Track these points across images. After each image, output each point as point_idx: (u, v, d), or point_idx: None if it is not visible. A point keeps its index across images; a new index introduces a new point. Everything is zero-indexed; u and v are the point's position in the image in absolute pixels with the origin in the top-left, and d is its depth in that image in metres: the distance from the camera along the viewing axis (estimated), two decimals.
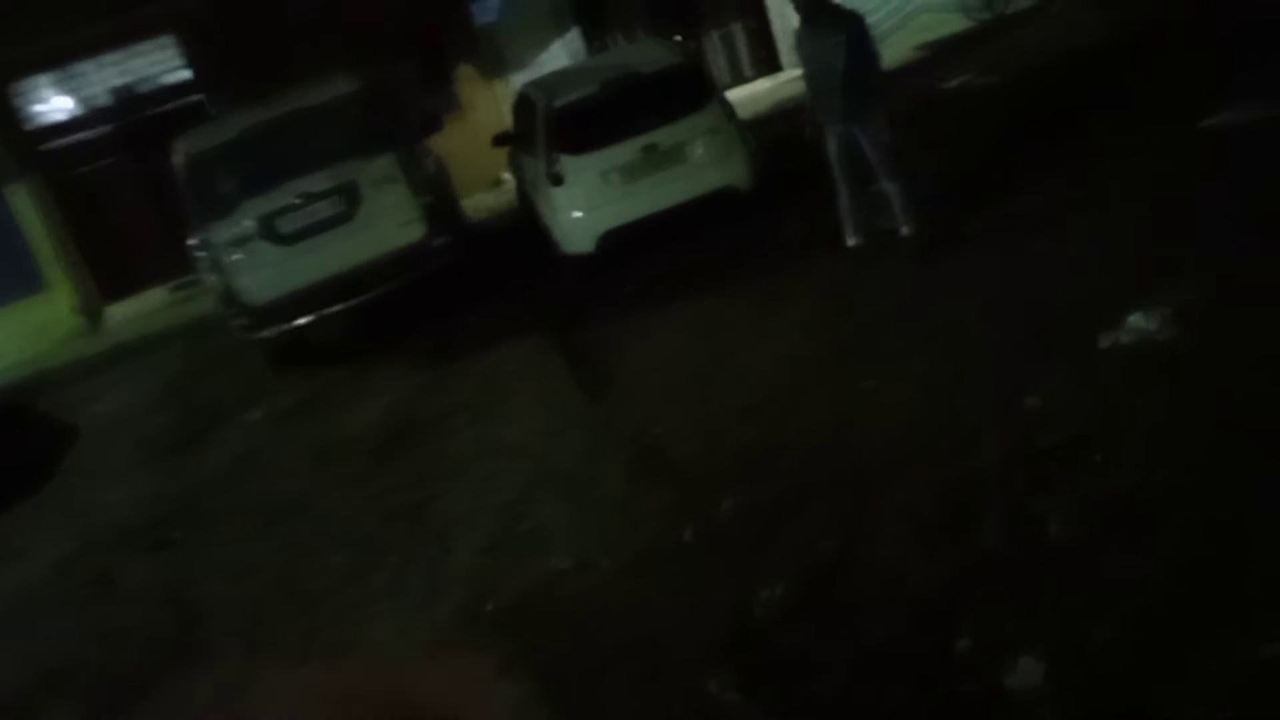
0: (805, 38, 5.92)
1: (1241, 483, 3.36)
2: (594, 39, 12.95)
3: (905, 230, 5.93)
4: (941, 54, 11.22)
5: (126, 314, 11.76)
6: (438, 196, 8.02)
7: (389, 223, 7.49)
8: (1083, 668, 2.92)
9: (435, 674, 3.88)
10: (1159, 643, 2.92)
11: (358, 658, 4.15)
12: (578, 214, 7.16)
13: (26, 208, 11.43)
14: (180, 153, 7.40)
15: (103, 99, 11.89)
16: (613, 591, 3.97)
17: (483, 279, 8.25)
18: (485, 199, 11.25)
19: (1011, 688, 2.92)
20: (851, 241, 6.12)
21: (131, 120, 11.73)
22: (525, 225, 8.74)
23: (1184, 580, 3.09)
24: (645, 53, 8.54)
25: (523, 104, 8.29)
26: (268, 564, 5.14)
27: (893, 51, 10.60)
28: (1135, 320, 4.33)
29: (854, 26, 5.79)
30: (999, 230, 5.86)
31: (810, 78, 5.99)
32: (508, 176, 10.39)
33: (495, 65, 12.72)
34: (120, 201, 11.72)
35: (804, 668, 3.28)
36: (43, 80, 11.70)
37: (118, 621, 5.14)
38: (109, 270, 11.89)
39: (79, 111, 11.86)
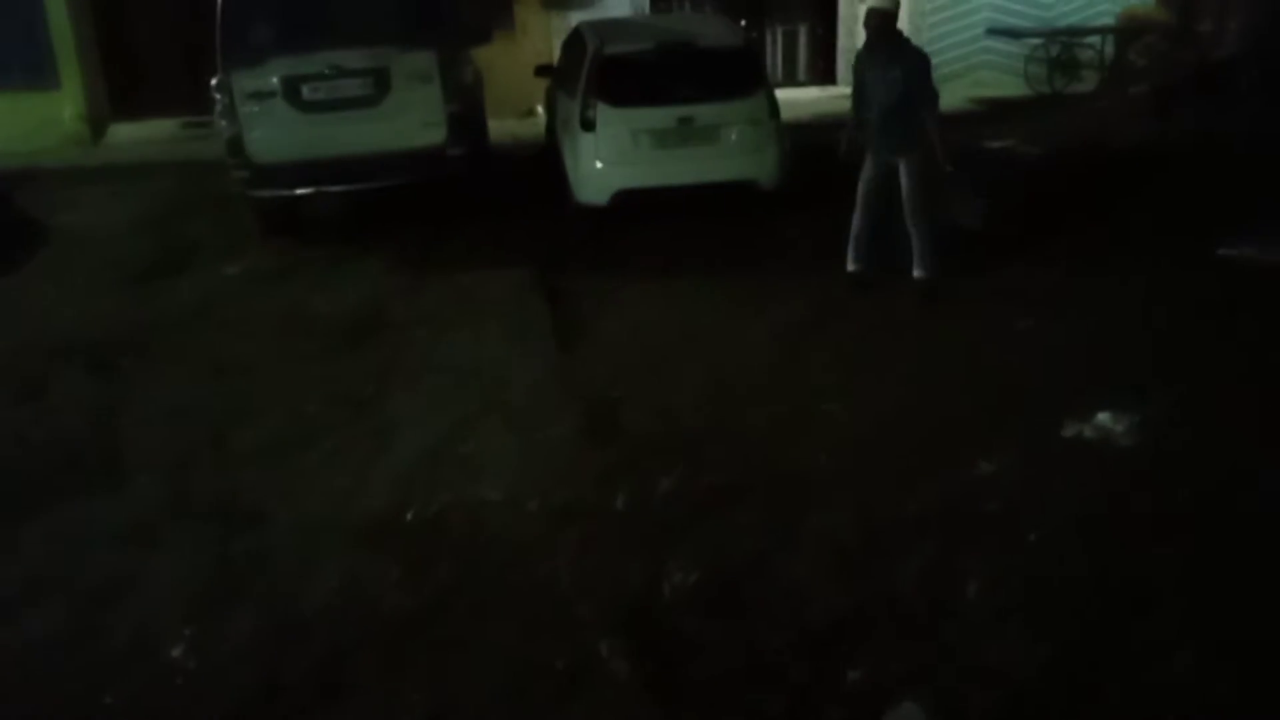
0: (866, 62, 5.89)
1: (1156, 601, 3.43)
2: None
3: (917, 273, 5.94)
4: (993, 113, 11.22)
5: (131, 135, 11.55)
6: (467, 107, 7.92)
7: (412, 119, 7.41)
8: None
9: (335, 567, 3.87)
10: None
11: (266, 529, 4.13)
12: (599, 164, 7.10)
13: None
14: None
15: None
16: (532, 534, 3.96)
17: (489, 202, 8.19)
18: (514, 126, 11.13)
19: None
20: (851, 268, 6.13)
21: None
22: (545, 163, 8.68)
23: (1077, 674, 3.15)
24: (707, 26, 8.47)
25: (574, 41, 8.20)
26: (204, 413, 5.09)
27: (947, 98, 10.55)
28: (1103, 418, 4.39)
29: (917, 64, 5.78)
30: (1000, 297, 5.90)
31: (861, 102, 5.96)
32: (541, 110, 10.29)
33: None
34: (153, 21, 11.48)
35: (695, 657, 3.30)
36: None
37: (37, 430, 5.07)
38: (125, 87, 11.67)
39: None
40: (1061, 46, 12.00)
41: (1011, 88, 12.08)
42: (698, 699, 3.12)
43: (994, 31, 12.39)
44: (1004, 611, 3.42)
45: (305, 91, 7.27)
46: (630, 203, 7.15)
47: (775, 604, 3.54)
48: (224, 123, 7.38)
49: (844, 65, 12.69)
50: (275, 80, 7.22)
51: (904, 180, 5.84)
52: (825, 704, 3.08)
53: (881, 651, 3.27)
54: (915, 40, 6.35)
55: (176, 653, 3.42)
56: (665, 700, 3.11)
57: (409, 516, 4.15)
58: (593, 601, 3.55)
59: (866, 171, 5.97)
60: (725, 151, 7.11)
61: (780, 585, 3.64)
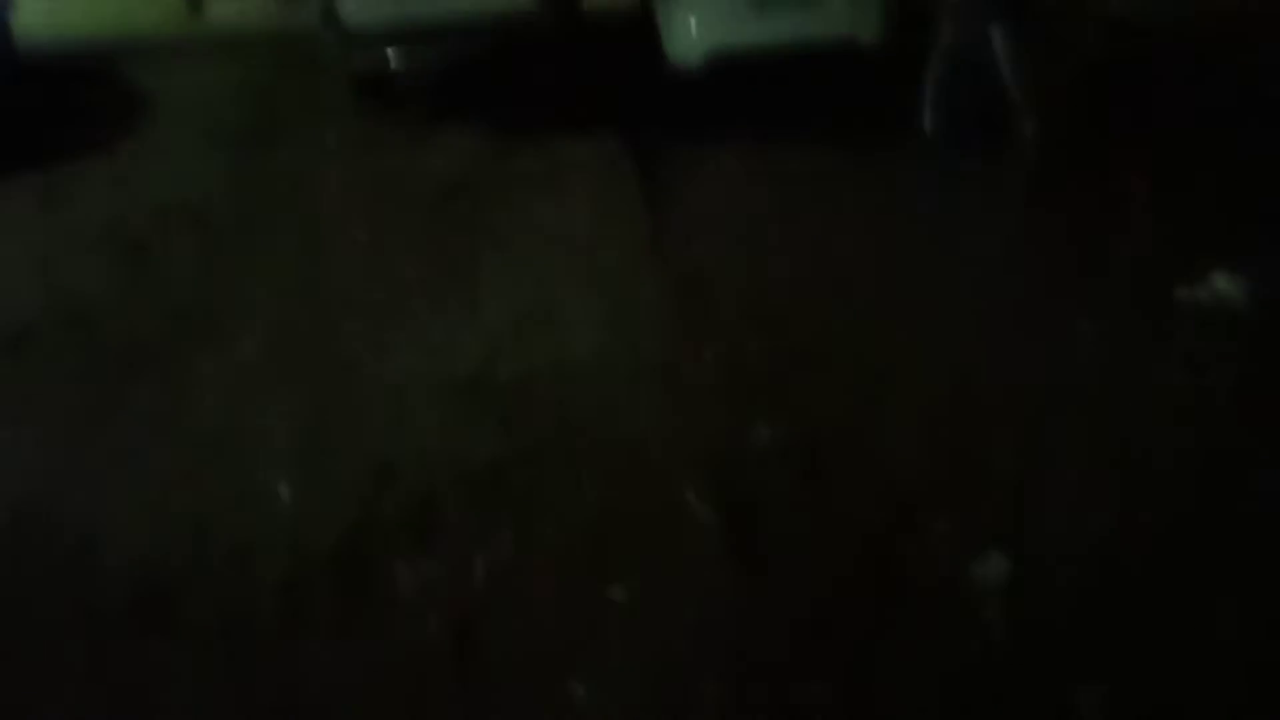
0: None
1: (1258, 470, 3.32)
2: None
3: (1026, 130, 5.68)
4: None
5: (228, 9, 11.61)
6: None
7: None
8: (1046, 578, 2.97)
9: (430, 418, 3.98)
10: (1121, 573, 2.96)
11: (364, 382, 4.26)
12: (694, 22, 6.86)
13: None
14: None
15: None
16: (621, 389, 4.01)
17: (582, 68, 8.05)
18: None
19: (974, 576, 2.96)
20: (928, 125, 5.91)
21: None
22: (638, 27, 8.45)
23: (1163, 536, 3.10)
24: None
25: None
26: (304, 276, 5.22)
27: None
28: (1220, 281, 4.18)
29: None
30: (1108, 160, 5.59)
31: None
32: None
33: None
34: None
35: (779, 508, 3.34)
36: None
37: (146, 285, 5.28)
38: None
39: None
40: None
41: None
42: (781, 545, 3.16)
43: None
44: (1096, 476, 3.36)
45: None
46: (725, 69, 6.93)
47: (861, 463, 3.54)
48: None
49: None
50: None
51: (1002, 42, 5.56)
52: (908, 555, 3.10)
53: (967, 510, 3.26)
54: None
55: (283, 490, 3.60)
56: (749, 545, 3.16)
57: (501, 372, 4.23)
58: (680, 451, 3.60)
59: (950, 36, 5.72)
60: (828, 10, 6.78)
61: (866, 446, 3.63)
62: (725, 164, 6.33)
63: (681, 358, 4.20)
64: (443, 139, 7.11)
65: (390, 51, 7.42)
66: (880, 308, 4.56)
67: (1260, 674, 2.71)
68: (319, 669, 2.98)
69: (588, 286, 4.89)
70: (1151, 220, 4.89)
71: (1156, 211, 4.98)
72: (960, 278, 4.68)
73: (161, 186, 6.59)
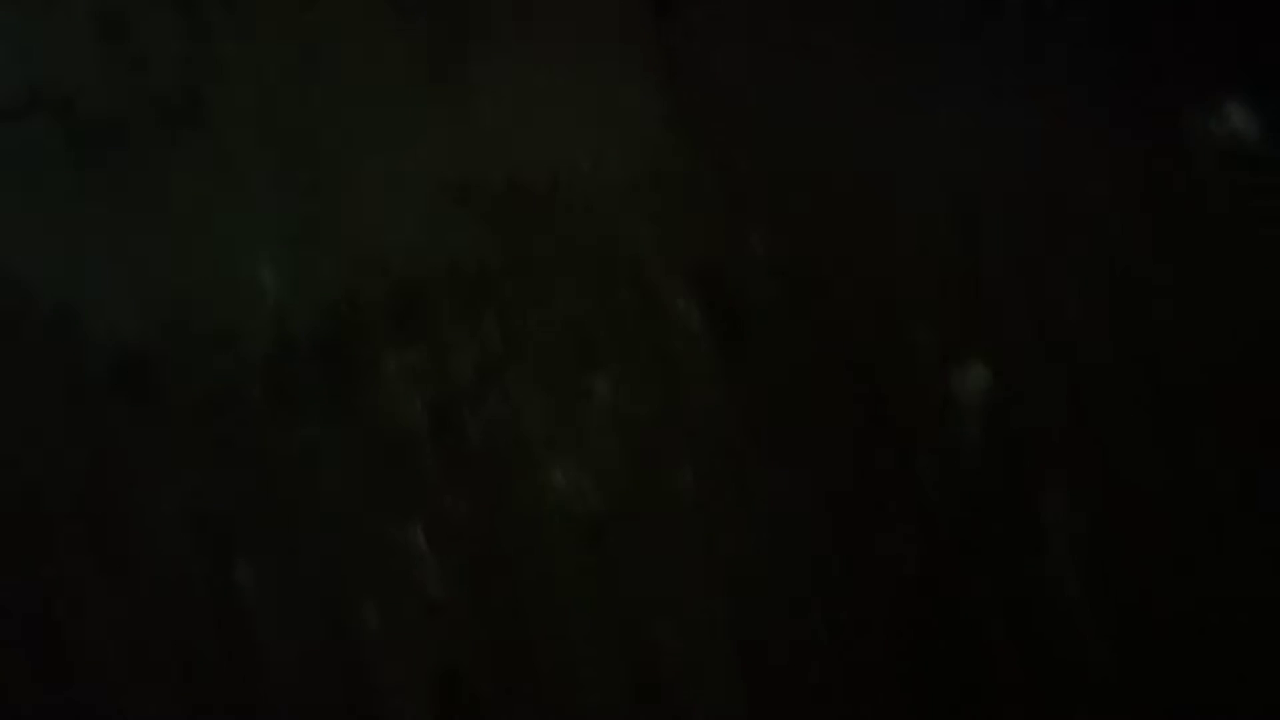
0: None
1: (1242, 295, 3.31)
2: None
3: None
4: None
5: None
6: None
7: None
8: (1026, 391, 3.02)
9: (418, 215, 3.92)
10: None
11: (348, 176, 4.16)
12: None
13: None
14: None
15: None
16: (615, 200, 3.91)
17: None
18: None
19: (954, 385, 3.00)
20: None
21: None
22: None
23: (1141, 354, 3.12)
24: None
25: None
26: (290, 65, 4.81)
27: None
28: (1234, 113, 4.05)
29: None
30: None
31: None
32: None
33: None
34: None
35: (765, 317, 3.35)
36: None
37: (129, 68, 4.96)
38: None
39: None
40: None
41: None
42: (765, 349, 3.19)
43: None
44: (1088, 297, 3.36)
45: None
46: None
47: (852, 277, 3.49)
48: None
49: None
50: None
51: None
52: (890, 362, 3.14)
53: (953, 321, 3.28)
54: None
55: (267, 276, 3.56)
56: (733, 348, 3.19)
57: (492, 174, 4.13)
58: (673, 264, 3.56)
59: None
60: None
61: (860, 260, 3.56)
62: None
63: (679, 169, 4.12)
64: None
65: None
66: (889, 130, 4.43)
67: (1236, 497, 2.78)
68: (297, 446, 3.02)
69: (588, 94, 4.74)
70: (1165, 39, 4.73)
71: (1171, 30, 4.82)
72: (965, 97, 4.55)
73: None
